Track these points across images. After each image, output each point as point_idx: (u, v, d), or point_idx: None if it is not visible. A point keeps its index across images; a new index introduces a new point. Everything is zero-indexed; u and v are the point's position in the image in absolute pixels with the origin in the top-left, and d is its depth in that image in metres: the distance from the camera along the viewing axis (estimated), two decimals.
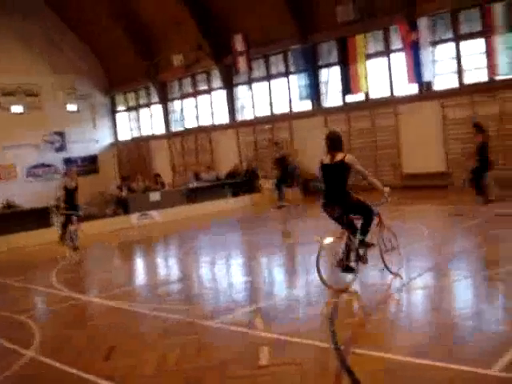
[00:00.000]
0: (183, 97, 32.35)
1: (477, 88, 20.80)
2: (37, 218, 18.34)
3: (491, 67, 19.99)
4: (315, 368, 5.44)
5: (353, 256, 8.44)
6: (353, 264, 8.41)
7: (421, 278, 8.66)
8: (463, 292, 7.94)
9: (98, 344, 6.87)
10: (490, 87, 20.42)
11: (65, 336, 7.36)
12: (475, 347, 5.57)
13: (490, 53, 19.86)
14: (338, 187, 8.70)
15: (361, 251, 8.49)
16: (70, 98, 34.45)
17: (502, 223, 12.92)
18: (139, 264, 13.92)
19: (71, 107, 34.65)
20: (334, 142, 8.86)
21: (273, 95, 27.74)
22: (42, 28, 32.42)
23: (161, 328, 7.35)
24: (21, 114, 32.16)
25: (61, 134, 33.74)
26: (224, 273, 11.30)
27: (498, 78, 20.30)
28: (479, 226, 12.65)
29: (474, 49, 20.94)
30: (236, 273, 11.13)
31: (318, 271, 8.09)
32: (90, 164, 35.13)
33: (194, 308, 8.17)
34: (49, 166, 33.29)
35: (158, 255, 14.67)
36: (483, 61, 20.47)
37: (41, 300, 10.11)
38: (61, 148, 33.79)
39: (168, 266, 12.87)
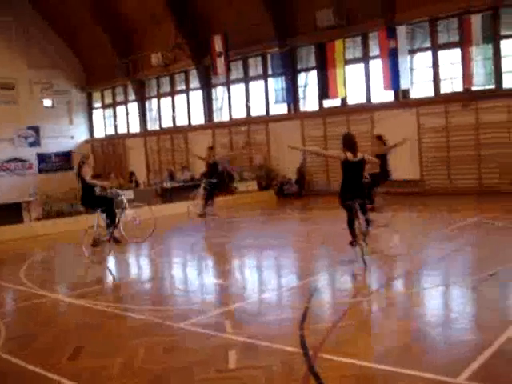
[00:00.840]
0: (160, 96, 32.24)
1: (452, 97, 21.05)
2: (8, 213, 18.07)
3: (467, 77, 20.20)
4: (283, 372, 5.41)
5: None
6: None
7: (392, 285, 8.69)
8: (434, 300, 7.97)
9: (65, 343, 6.77)
10: (465, 97, 20.64)
11: (31, 334, 7.25)
12: (444, 355, 5.58)
13: (466, 63, 20.07)
14: (360, 180, 10.24)
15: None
16: (46, 93, 34.21)
17: (475, 230, 13.05)
18: (110, 263, 13.76)
19: (47, 102, 34.42)
20: (354, 142, 10.18)
21: (250, 97, 27.76)
22: (21, 22, 32.16)
23: (129, 328, 7.28)
24: None
25: (35, 129, 33.45)
26: (195, 274, 11.23)
27: (473, 88, 20.52)
28: (454, 233, 12.74)
29: (450, 58, 21.18)
30: (208, 274, 11.06)
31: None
32: (64, 160, 34.90)
33: (163, 309, 8.10)
34: (22, 160, 32.95)
35: (130, 254, 14.51)
36: (459, 71, 20.67)
37: (8, 297, 9.94)
38: (35, 143, 33.46)
39: (139, 266, 12.77)
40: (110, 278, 11.50)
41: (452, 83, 21.41)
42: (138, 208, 14.53)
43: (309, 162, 24.92)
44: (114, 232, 13.12)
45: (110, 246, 13.09)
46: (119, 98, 35.16)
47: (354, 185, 10.08)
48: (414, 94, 22.39)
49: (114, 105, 35.63)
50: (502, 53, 19.83)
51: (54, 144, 34.12)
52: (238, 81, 28.24)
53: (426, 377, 5.05)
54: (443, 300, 8.02)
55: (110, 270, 12.45)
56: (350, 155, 9.99)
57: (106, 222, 13.08)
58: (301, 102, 25.99)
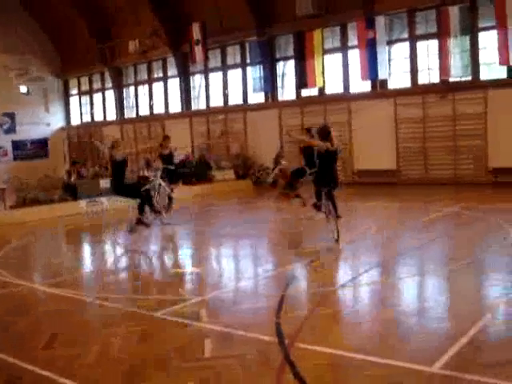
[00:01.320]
0: (138, 83, 32.02)
1: (429, 88, 21.15)
2: None
3: (444, 69, 20.30)
4: (259, 361, 5.41)
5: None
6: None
7: (367, 274, 8.73)
8: (409, 289, 8.04)
9: (39, 332, 6.71)
10: (443, 88, 20.76)
11: (4, 323, 7.18)
12: (418, 344, 5.63)
13: (443, 54, 20.16)
14: (334, 168, 11.04)
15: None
16: (21, 79, 33.74)
17: (451, 220, 13.17)
18: (86, 251, 13.70)
19: (23, 89, 33.97)
20: (329, 132, 10.72)
21: (228, 86, 27.68)
22: None
23: (104, 317, 7.24)
24: None
25: (11, 116, 33.00)
26: (171, 263, 11.20)
27: (450, 79, 20.64)
28: (429, 223, 12.84)
29: (428, 49, 21.26)
30: (184, 263, 11.04)
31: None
32: (40, 148, 34.59)
33: (139, 298, 8.06)
34: None
35: (105, 243, 14.44)
36: (437, 62, 20.77)
37: None
38: (10, 130, 33.06)
39: (115, 255, 12.69)
40: (85, 267, 11.41)
41: (429, 74, 21.52)
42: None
43: (286, 150, 24.90)
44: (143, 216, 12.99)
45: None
46: (96, 85, 34.86)
47: (331, 172, 10.91)
48: (392, 85, 22.46)
49: (90, 92, 35.32)
50: (480, 45, 19.94)
51: (29, 131, 33.76)
52: (216, 69, 28.13)
53: (400, 365, 5.08)
54: (419, 289, 8.09)
55: (86, 259, 12.39)
56: (328, 145, 10.59)
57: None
58: (279, 90, 25.95)
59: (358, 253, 10.56)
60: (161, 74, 30.79)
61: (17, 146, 33.39)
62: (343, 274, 9.17)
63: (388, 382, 4.84)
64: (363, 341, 5.79)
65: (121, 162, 12.58)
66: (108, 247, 13.78)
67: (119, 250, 13.18)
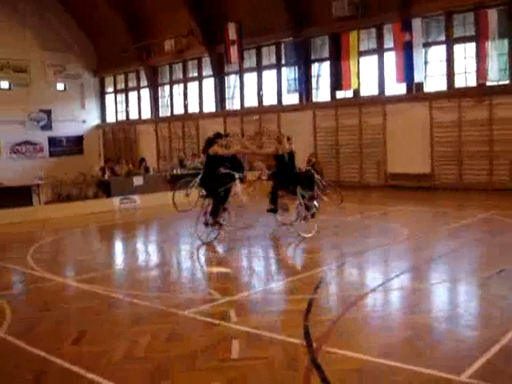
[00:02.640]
0: (173, 82, 32.21)
1: (466, 92, 20.90)
2: (18, 196, 18.09)
3: (481, 72, 20.05)
4: (285, 364, 5.39)
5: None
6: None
7: (398, 279, 8.65)
8: (440, 295, 7.94)
9: (69, 327, 6.78)
10: (479, 92, 20.49)
11: (36, 317, 7.25)
12: (447, 352, 5.55)
13: (481, 58, 19.91)
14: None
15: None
16: (58, 76, 34.19)
17: (484, 227, 12.99)
18: (118, 248, 13.80)
19: (59, 86, 34.41)
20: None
21: (263, 86, 27.69)
22: (35, 4, 32.10)
23: (133, 315, 7.28)
24: (7, 89, 31.86)
25: (47, 112, 33.46)
26: (202, 262, 11.23)
27: (487, 83, 20.37)
28: (462, 229, 12.68)
29: (465, 53, 21.01)
30: (214, 263, 11.06)
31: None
32: (75, 144, 35.00)
33: (169, 296, 8.08)
34: (33, 144, 33.03)
35: (138, 240, 14.56)
36: (474, 65, 20.52)
37: (14, 280, 9.97)
38: (46, 126, 33.50)
39: (146, 252, 12.76)
40: (116, 264, 11.51)
41: (466, 78, 21.25)
42: None
43: (320, 152, 24.84)
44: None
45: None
46: (131, 84, 35.15)
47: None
48: (428, 88, 22.24)
49: (126, 90, 35.63)
50: None
51: (65, 128, 34.17)
52: (251, 69, 28.16)
53: (428, 373, 5.02)
54: (450, 296, 7.98)
55: (117, 256, 12.49)
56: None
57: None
58: (313, 92, 25.89)
59: (389, 257, 10.49)
60: (196, 74, 30.93)
61: (53, 142, 33.81)
62: (373, 278, 9.09)
63: None
64: (391, 346, 5.73)
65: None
66: (139, 244, 13.87)
67: (150, 248, 13.26)
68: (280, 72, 26.78)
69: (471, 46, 20.70)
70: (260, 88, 27.84)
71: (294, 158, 12.77)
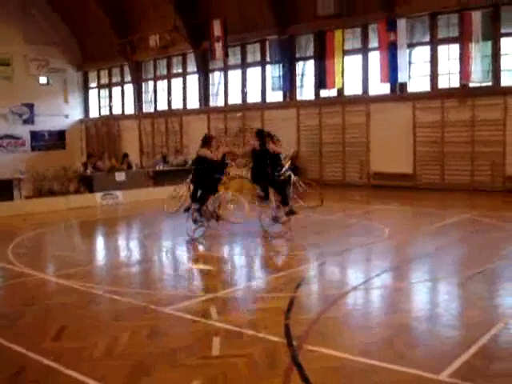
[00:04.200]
0: (157, 78, 32.11)
1: (449, 93, 21.01)
2: None
3: (465, 73, 20.18)
4: (266, 362, 5.39)
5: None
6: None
7: (379, 278, 8.68)
8: (421, 294, 7.97)
9: (49, 323, 6.73)
10: (462, 93, 20.62)
11: (15, 313, 7.20)
12: (427, 351, 5.59)
13: (464, 59, 20.03)
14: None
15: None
16: (41, 70, 33.90)
17: (465, 227, 13.07)
18: (99, 244, 13.75)
19: (42, 79, 34.15)
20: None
21: (247, 84, 27.67)
22: None
23: (114, 311, 7.25)
24: None
25: (30, 106, 33.19)
26: (184, 259, 11.21)
27: (470, 84, 20.50)
28: (443, 229, 12.76)
29: (449, 54, 21.13)
30: (196, 260, 11.05)
31: None
32: (57, 139, 34.76)
33: (149, 293, 8.07)
34: (15, 137, 32.75)
35: (119, 236, 14.51)
36: (457, 66, 20.64)
37: None
38: (28, 120, 33.22)
39: (128, 248, 12.71)
40: (97, 260, 11.46)
41: (449, 79, 21.37)
42: None
43: (303, 150, 24.90)
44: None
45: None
46: (115, 79, 34.97)
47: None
48: (411, 88, 22.34)
49: (109, 85, 35.45)
50: (502, 51, 19.79)
51: (47, 122, 33.90)
52: (235, 67, 28.13)
53: (408, 372, 5.05)
54: (430, 295, 8.03)
55: (98, 252, 12.44)
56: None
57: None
58: (297, 90, 25.90)
59: (370, 256, 10.53)
60: (180, 70, 30.84)
61: (35, 136, 33.54)
62: (355, 277, 9.12)
63: None
64: (372, 345, 5.75)
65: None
66: (120, 241, 13.82)
67: (132, 244, 13.21)
68: (264, 70, 26.77)
69: (455, 48, 20.82)
70: (244, 85, 27.81)
71: (277, 158, 12.93)
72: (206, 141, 12.89)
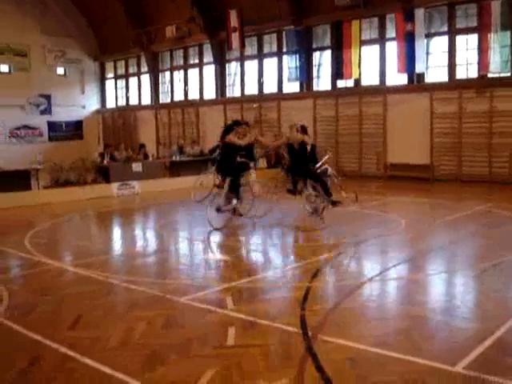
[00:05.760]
0: (173, 69, 32.13)
1: (467, 84, 20.84)
2: (16, 180, 18.07)
3: (483, 64, 20.01)
4: (281, 352, 5.40)
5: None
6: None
7: (395, 269, 8.66)
8: (437, 286, 7.94)
9: (65, 312, 6.79)
10: (480, 84, 20.44)
11: (32, 302, 7.26)
12: (443, 343, 5.57)
13: (483, 49, 19.85)
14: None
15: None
16: (58, 61, 34.06)
17: (482, 219, 12.99)
18: (116, 234, 13.81)
19: (59, 70, 34.31)
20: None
21: (263, 74, 27.63)
22: None
23: (130, 300, 7.28)
24: (7, 73, 31.76)
25: (47, 97, 33.35)
26: (200, 249, 11.24)
27: (488, 75, 20.32)
28: (460, 221, 12.69)
29: (467, 44, 20.95)
30: (212, 250, 11.08)
31: None
32: (74, 129, 34.93)
33: (165, 283, 8.10)
34: (32, 128, 32.95)
35: (136, 227, 14.57)
36: (475, 57, 20.46)
37: (12, 264, 9.97)
38: (46, 111, 33.41)
39: (145, 239, 12.76)
40: (114, 249, 11.52)
41: (467, 69, 21.19)
42: None
43: (319, 141, 24.82)
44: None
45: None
46: (132, 70, 35.06)
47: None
48: (429, 79, 22.18)
49: (126, 76, 35.54)
50: None
51: (65, 112, 34.07)
52: (251, 57, 28.09)
53: (423, 363, 5.03)
54: (446, 287, 8.00)
55: (115, 242, 12.50)
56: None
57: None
58: (314, 81, 25.81)
59: (386, 247, 10.50)
60: (197, 61, 30.85)
61: (52, 127, 33.73)
62: (370, 268, 9.10)
63: (410, 378, 4.78)
64: (387, 336, 5.74)
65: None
66: (137, 231, 13.88)
67: (148, 234, 13.27)
68: (281, 60, 26.71)
69: (473, 38, 20.63)
70: (261, 76, 27.77)
71: (311, 150, 12.75)
72: (231, 128, 12.90)
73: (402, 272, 8.70)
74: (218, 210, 12.59)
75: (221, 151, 13.31)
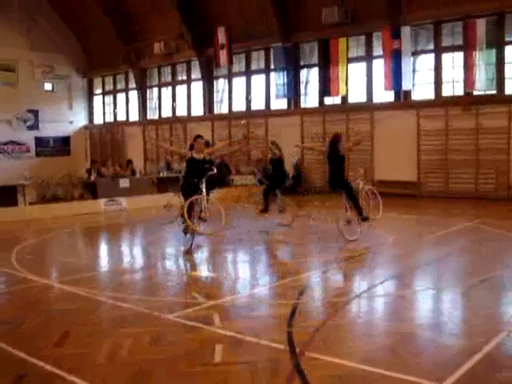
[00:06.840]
0: (161, 85, 32.17)
1: (453, 101, 21.01)
2: (2, 195, 17.98)
3: (469, 81, 20.19)
4: (268, 369, 5.38)
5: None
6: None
7: (382, 286, 8.66)
8: (425, 303, 7.95)
9: (52, 329, 6.73)
10: (466, 101, 20.61)
11: (18, 318, 7.20)
12: (430, 360, 5.55)
13: (468, 67, 20.04)
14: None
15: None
16: (47, 76, 34.01)
17: (469, 235, 13.04)
18: (103, 250, 13.75)
19: (47, 86, 34.26)
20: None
21: (251, 91, 27.71)
22: (23, 4, 31.87)
23: (117, 317, 7.23)
24: None
25: (35, 113, 33.27)
26: (187, 266, 11.20)
27: (474, 92, 20.50)
28: (447, 237, 12.73)
29: (453, 62, 21.14)
30: (199, 267, 11.04)
31: None
32: (62, 145, 34.88)
33: (152, 299, 8.06)
34: (20, 144, 32.83)
35: (123, 243, 14.51)
36: (461, 74, 20.65)
37: None
38: (33, 126, 33.32)
39: (132, 255, 12.72)
40: (101, 266, 11.45)
41: (453, 87, 21.38)
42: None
43: (307, 158, 24.89)
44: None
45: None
46: (120, 86, 35.07)
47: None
48: (415, 96, 22.34)
49: (114, 92, 35.54)
50: (506, 59, 19.80)
51: (52, 128, 34.01)
52: (239, 74, 28.19)
53: (411, 380, 5.01)
54: (433, 303, 8.01)
55: (102, 258, 12.44)
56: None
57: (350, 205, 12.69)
58: (302, 97, 25.92)
59: (374, 264, 10.50)
60: (185, 77, 30.92)
61: (39, 142, 33.62)
62: (358, 284, 9.11)
63: None
64: (375, 353, 5.73)
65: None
66: (124, 247, 13.82)
67: (135, 251, 13.21)
68: (269, 77, 26.82)
69: (459, 56, 20.84)
70: (248, 92, 27.86)
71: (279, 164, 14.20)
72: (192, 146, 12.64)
73: (389, 288, 8.71)
74: (185, 231, 12.27)
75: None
